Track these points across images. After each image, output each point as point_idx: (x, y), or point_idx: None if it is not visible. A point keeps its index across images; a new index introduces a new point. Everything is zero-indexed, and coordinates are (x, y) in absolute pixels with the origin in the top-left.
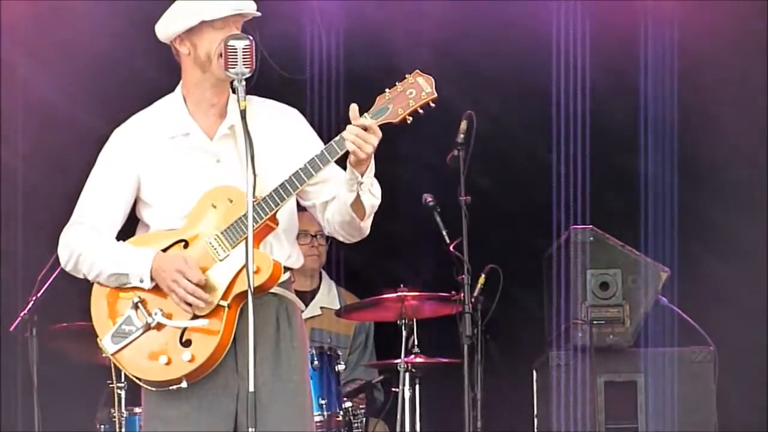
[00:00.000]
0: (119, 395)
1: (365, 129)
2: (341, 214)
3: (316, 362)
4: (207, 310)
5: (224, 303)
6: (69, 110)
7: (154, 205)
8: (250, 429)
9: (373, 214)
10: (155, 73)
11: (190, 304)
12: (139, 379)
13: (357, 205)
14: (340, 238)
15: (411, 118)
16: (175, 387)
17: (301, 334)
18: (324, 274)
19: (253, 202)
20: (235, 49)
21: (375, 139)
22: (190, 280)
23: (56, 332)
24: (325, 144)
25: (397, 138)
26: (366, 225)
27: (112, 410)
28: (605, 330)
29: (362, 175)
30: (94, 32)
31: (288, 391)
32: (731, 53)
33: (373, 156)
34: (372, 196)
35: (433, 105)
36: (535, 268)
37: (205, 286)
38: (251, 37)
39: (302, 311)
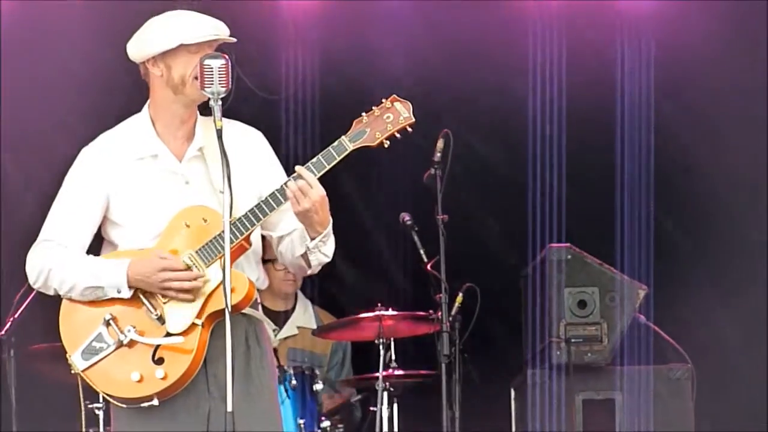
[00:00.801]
0: (97, 415)
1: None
2: (292, 256)
3: (294, 382)
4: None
5: (198, 322)
6: (44, 134)
7: (123, 225)
8: None
9: (322, 264)
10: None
11: (189, 291)
12: (111, 396)
13: (306, 257)
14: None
15: (388, 142)
16: (146, 404)
17: (270, 353)
18: (300, 293)
19: (230, 221)
20: (211, 68)
21: (315, 194)
22: (176, 270)
23: (34, 353)
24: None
25: (374, 157)
26: (314, 271)
27: (91, 430)
28: (583, 348)
29: (312, 240)
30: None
31: (258, 410)
32: (705, 72)
33: (326, 217)
34: (322, 255)
35: (410, 129)
36: (512, 287)
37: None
38: (227, 57)
39: (274, 331)
